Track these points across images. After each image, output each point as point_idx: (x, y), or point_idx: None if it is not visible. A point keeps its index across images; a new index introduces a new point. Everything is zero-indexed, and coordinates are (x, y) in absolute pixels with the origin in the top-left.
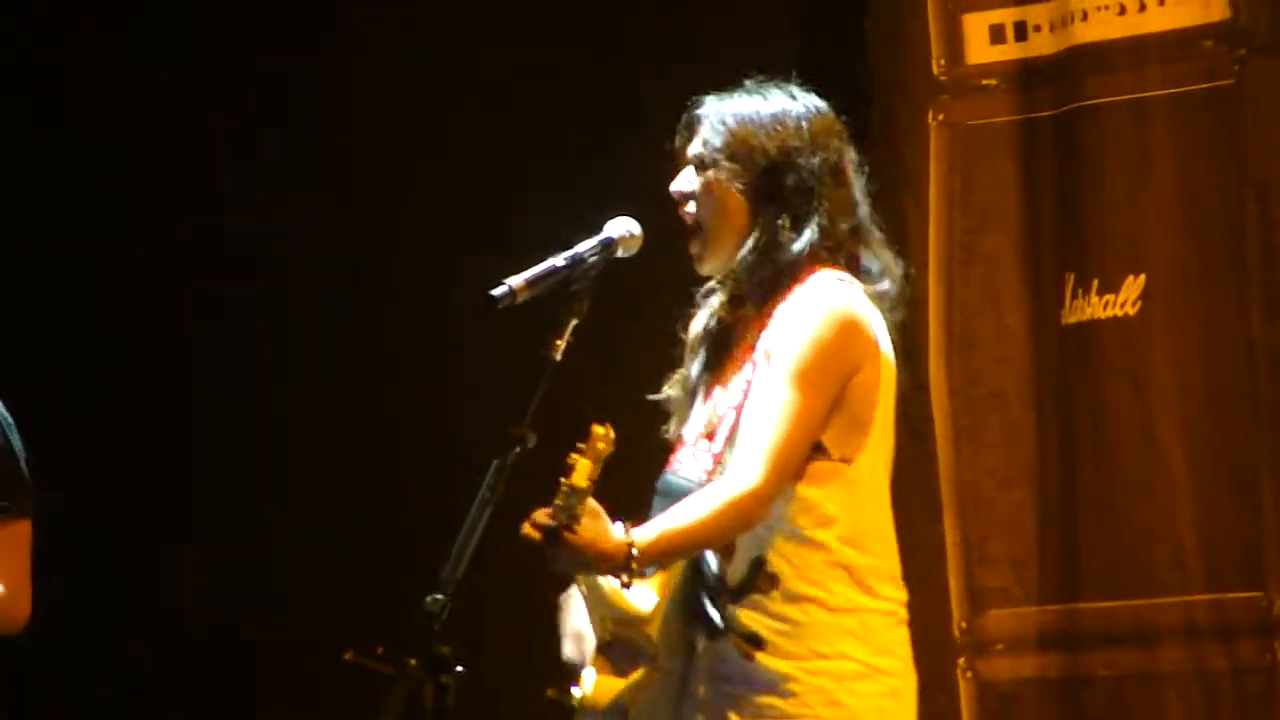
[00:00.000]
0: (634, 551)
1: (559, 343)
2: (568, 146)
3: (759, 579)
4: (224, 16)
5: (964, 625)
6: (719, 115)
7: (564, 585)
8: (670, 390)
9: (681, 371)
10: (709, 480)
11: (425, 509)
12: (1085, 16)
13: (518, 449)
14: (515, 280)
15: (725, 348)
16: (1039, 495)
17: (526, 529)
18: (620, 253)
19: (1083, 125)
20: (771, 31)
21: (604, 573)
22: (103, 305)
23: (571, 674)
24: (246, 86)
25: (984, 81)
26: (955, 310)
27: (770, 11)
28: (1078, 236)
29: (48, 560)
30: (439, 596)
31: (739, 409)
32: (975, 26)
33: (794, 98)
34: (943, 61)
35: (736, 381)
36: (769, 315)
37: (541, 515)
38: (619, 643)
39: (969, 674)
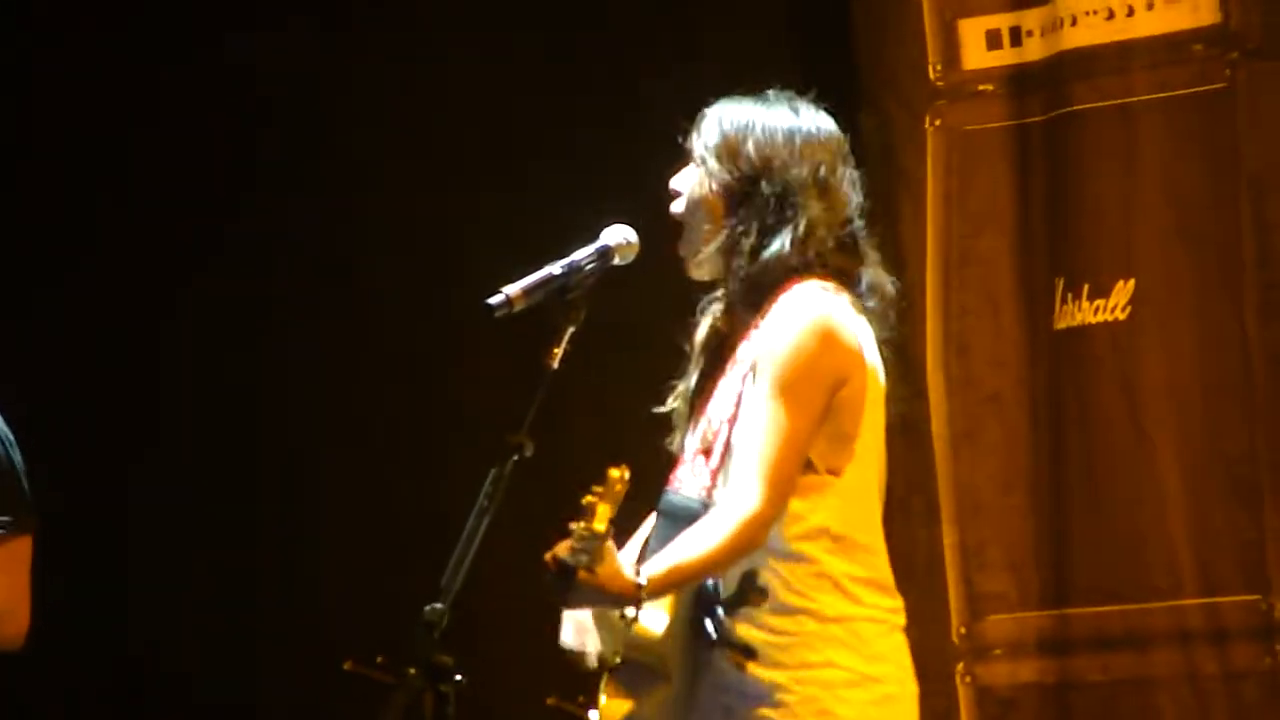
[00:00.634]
0: (642, 594)
1: (556, 351)
2: (568, 147)
3: (750, 593)
4: (224, 16)
5: (963, 630)
6: (719, 117)
7: None
8: (673, 403)
9: (683, 383)
10: (708, 497)
11: (423, 516)
12: (1074, 22)
13: (516, 457)
14: (512, 289)
15: (720, 358)
16: (1035, 500)
17: (548, 560)
18: (617, 260)
19: (1071, 130)
20: (769, 36)
21: (611, 609)
22: (103, 305)
23: (569, 660)
24: (246, 87)
25: (980, 87)
26: (952, 313)
27: (768, 16)
28: (1067, 242)
29: (48, 561)
30: (438, 605)
31: (731, 421)
32: (971, 32)
33: (798, 113)
34: (939, 67)
35: (727, 393)
36: (755, 326)
37: (564, 549)
38: (629, 665)
39: (968, 679)
